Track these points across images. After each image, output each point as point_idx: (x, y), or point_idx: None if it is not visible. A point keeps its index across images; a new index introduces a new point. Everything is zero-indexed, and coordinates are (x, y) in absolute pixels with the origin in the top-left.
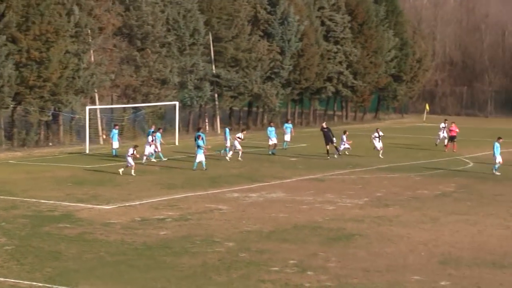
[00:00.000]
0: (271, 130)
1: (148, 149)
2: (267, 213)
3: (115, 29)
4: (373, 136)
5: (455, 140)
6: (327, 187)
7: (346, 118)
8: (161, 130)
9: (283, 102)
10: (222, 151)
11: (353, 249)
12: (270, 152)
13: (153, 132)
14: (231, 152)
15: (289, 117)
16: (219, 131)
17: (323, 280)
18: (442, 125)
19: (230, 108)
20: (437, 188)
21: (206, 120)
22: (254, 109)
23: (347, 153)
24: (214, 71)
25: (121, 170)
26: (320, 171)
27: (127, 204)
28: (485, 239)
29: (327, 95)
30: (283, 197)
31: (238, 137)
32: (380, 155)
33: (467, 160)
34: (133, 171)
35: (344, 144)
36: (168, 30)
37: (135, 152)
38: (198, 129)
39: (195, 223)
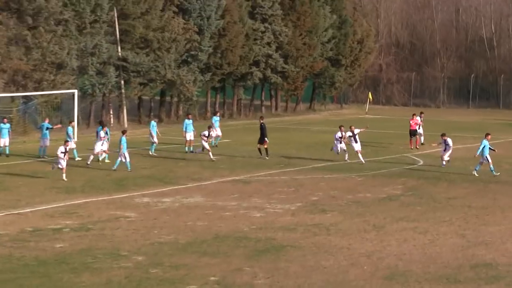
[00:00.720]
0: (188, 123)
1: (100, 147)
2: (183, 222)
3: (0, 4)
4: (337, 136)
5: (418, 134)
6: (253, 190)
7: (276, 109)
8: (72, 124)
9: (202, 91)
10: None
11: (284, 263)
12: (186, 150)
13: (101, 129)
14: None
15: (208, 107)
16: (125, 125)
17: None
18: (418, 118)
19: (139, 98)
20: (382, 190)
21: (111, 112)
22: (168, 98)
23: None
24: (120, 54)
25: (64, 176)
26: (245, 171)
27: (15, 212)
28: (437, 250)
29: (254, 82)
30: (202, 202)
31: (204, 135)
32: (361, 159)
33: (416, 158)
34: (64, 175)
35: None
36: (65, 5)
37: (67, 149)
38: (100, 123)
39: (98, 234)
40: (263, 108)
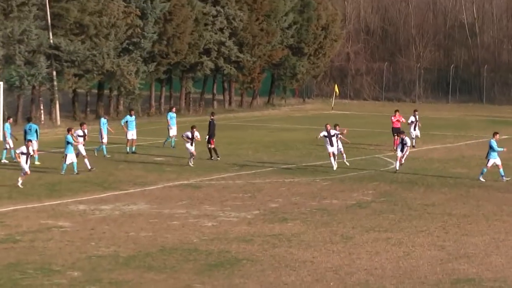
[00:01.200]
0: (131, 121)
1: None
2: (124, 232)
3: None
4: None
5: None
6: (204, 196)
7: (230, 104)
8: (10, 120)
9: (146, 83)
10: (96, 149)
11: (239, 279)
12: (128, 150)
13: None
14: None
15: (153, 102)
16: (58, 122)
17: None
18: (412, 118)
19: (74, 91)
20: (351, 196)
21: (42, 107)
22: (107, 92)
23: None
24: (51, 41)
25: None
26: (195, 174)
27: None
28: (413, 264)
29: (204, 73)
30: (146, 210)
31: (187, 137)
32: (345, 162)
33: (388, 159)
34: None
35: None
36: None
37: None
38: (28, 119)
39: (27, 246)
40: (215, 102)
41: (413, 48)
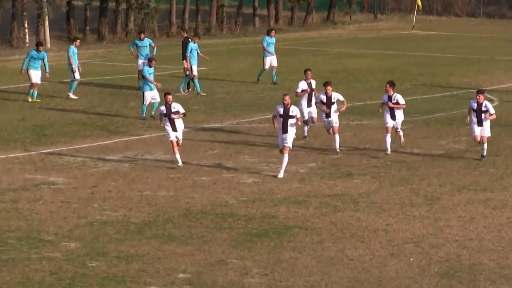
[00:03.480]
0: (143, 46)
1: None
2: (137, 191)
3: None
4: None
5: None
6: (243, 144)
7: (276, 20)
8: (77, 43)
9: None
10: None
11: (290, 253)
12: (141, 84)
13: None
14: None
15: (173, 19)
16: (48, 44)
17: None
18: None
19: (69, 3)
20: (437, 144)
21: (26, 25)
22: (112, 4)
23: None
24: None
25: None
26: (230, 115)
27: None
28: None
29: None
30: (166, 161)
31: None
32: (401, 142)
33: (488, 96)
34: None
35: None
36: None
37: None
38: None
39: (8, 209)
40: (256, 19)
41: None
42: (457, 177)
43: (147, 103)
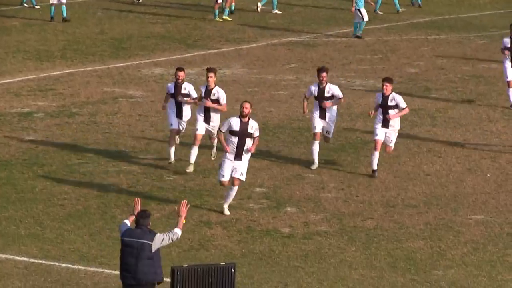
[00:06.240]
0: None
1: None
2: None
3: None
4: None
5: None
6: (321, 58)
7: None
8: None
9: None
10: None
11: (367, 168)
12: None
13: None
14: None
15: None
16: None
17: None
18: None
19: None
20: None
21: None
22: None
23: None
24: None
25: None
26: (309, 28)
27: None
28: None
29: None
30: (244, 75)
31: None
32: None
33: None
34: None
35: None
36: None
37: None
38: None
39: (86, 122)
40: None
41: None
42: None
43: None
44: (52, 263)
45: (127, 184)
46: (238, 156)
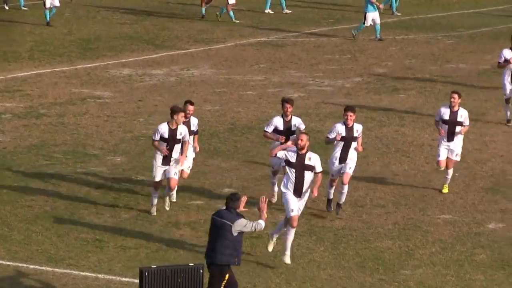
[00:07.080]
0: None
1: None
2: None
3: None
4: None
5: None
6: (289, 58)
7: None
8: None
9: None
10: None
11: None
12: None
13: None
14: None
15: None
16: None
17: None
18: None
19: None
20: (483, 59)
21: None
22: None
23: None
24: None
25: None
26: (277, 28)
27: None
28: None
29: None
30: (212, 75)
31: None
32: None
33: None
34: None
35: None
36: None
37: None
38: None
39: (54, 123)
40: None
41: None
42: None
43: None
44: (20, 264)
45: (95, 185)
46: (296, 192)
